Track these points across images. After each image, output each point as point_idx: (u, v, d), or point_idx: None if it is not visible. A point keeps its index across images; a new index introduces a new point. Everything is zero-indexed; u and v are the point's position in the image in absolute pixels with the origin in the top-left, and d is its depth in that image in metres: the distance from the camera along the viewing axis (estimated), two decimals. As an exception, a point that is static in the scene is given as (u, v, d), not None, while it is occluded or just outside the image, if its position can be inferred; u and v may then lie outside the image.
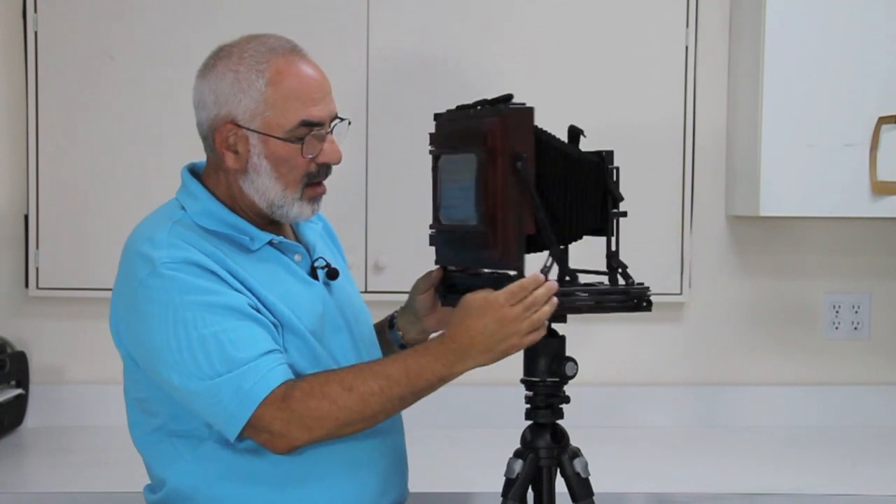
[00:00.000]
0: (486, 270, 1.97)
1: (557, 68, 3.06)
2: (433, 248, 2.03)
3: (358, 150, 3.04)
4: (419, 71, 3.04)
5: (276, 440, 1.85)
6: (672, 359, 3.23)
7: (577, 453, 1.98)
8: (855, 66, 2.90)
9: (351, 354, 2.01)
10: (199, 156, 2.01)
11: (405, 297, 2.15)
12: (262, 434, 1.85)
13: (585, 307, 1.89)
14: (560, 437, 1.97)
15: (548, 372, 1.93)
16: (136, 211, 2.02)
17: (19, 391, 3.03)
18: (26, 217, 3.07)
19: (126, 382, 2.00)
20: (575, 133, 1.94)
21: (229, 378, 1.82)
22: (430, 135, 2.00)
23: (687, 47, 3.09)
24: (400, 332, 2.16)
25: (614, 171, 1.93)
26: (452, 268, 2.05)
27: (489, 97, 1.91)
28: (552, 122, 1.91)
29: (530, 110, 1.85)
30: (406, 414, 1.99)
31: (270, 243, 1.97)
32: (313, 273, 2.02)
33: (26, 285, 3.08)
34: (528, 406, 1.97)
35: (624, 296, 1.91)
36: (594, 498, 1.97)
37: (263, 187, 1.93)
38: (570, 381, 1.95)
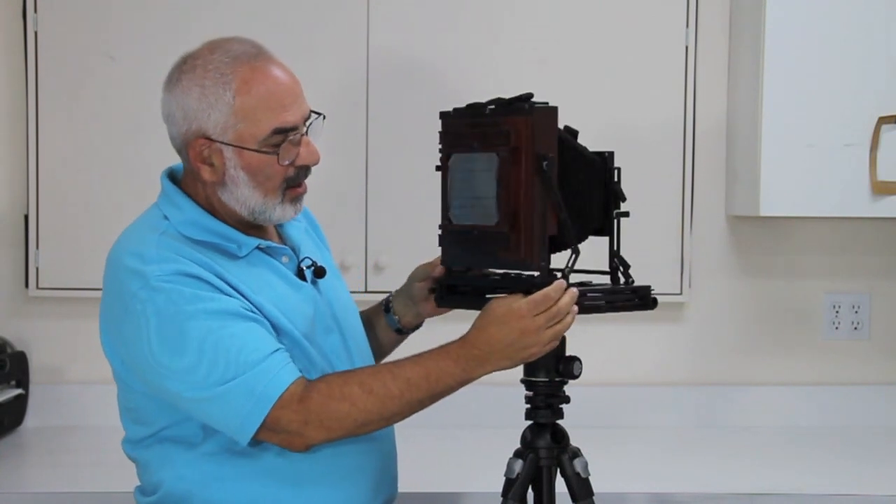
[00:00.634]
0: (495, 272, 1.96)
1: (557, 68, 3.06)
2: (433, 248, 2.03)
3: (358, 150, 3.04)
4: (419, 71, 3.04)
5: (294, 439, 1.84)
6: (672, 359, 3.23)
7: (577, 453, 1.98)
8: (855, 66, 2.90)
9: (342, 354, 2.01)
10: (199, 156, 2.01)
11: (405, 297, 2.15)
12: (279, 434, 1.84)
13: (596, 307, 1.89)
14: (560, 437, 1.97)
15: (555, 371, 1.93)
16: (136, 211, 2.01)
17: (19, 391, 3.03)
18: (26, 217, 3.07)
19: (118, 391, 1.99)
20: (572, 134, 1.94)
21: (240, 382, 1.81)
22: (440, 133, 1.96)
23: (687, 47, 3.09)
24: (396, 316, 2.16)
25: (616, 171, 1.93)
26: (453, 269, 2.04)
27: (491, 97, 1.91)
28: (552, 121, 1.91)
29: (555, 110, 1.85)
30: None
31: (258, 247, 1.95)
32: (301, 274, 2.01)
33: (26, 285, 3.08)
34: (528, 406, 1.97)
35: (632, 294, 1.92)
36: (594, 498, 1.97)
37: (243, 197, 1.90)
38: (571, 381, 1.95)
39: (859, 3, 2.90)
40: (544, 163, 1.82)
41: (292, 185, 1.93)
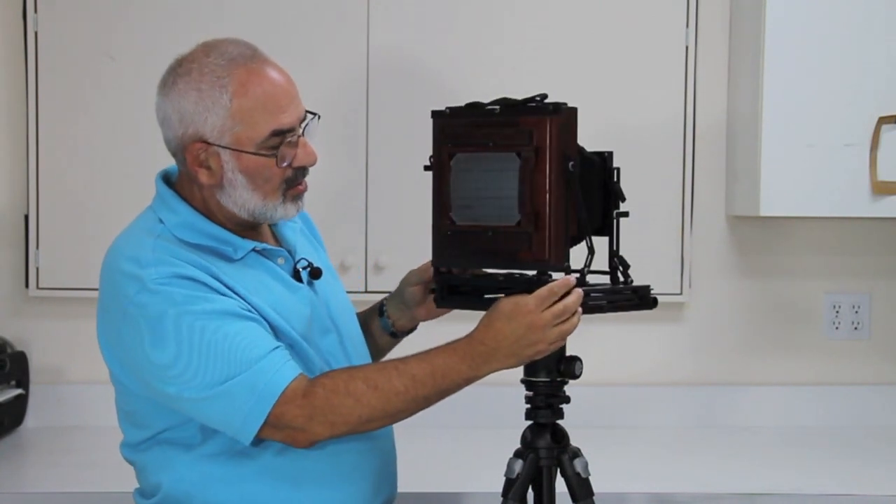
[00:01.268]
0: (499, 272, 1.95)
1: (558, 68, 3.05)
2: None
3: (358, 151, 3.04)
4: (419, 71, 3.04)
5: (298, 435, 1.84)
6: (672, 359, 3.23)
7: (577, 453, 1.98)
8: (855, 66, 2.90)
9: (340, 355, 2.00)
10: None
11: (405, 298, 2.15)
12: (283, 430, 1.84)
13: (598, 307, 1.89)
14: (560, 437, 1.97)
15: (556, 371, 1.93)
16: (135, 211, 2.00)
17: (19, 391, 3.03)
18: (26, 217, 3.07)
19: (116, 395, 1.99)
20: None
21: (241, 380, 1.81)
22: (438, 133, 1.94)
23: (687, 47, 3.09)
24: (390, 320, 2.16)
25: (615, 171, 1.93)
26: (444, 269, 2.02)
27: (490, 97, 1.90)
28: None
29: (575, 111, 1.85)
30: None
31: (253, 250, 1.95)
32: (297, 275, 2.01)
33: (26, 285, 3.08)
34: (529, 406, 1.97)
35: (632, 294, 1.92)
36: (594, 498, 1.97)
37: (242, 200, 1.90)
38: (571, 381, 1.95)
39: (859, 3, 2.90)
40: (570, 163, 1.82)
41: (292, 185, 1.93)
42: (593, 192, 1.92)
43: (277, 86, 1.88)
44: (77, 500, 2.50)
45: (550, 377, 1.93)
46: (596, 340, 3.08)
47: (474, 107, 1.91)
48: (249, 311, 1.87)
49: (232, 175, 1.88)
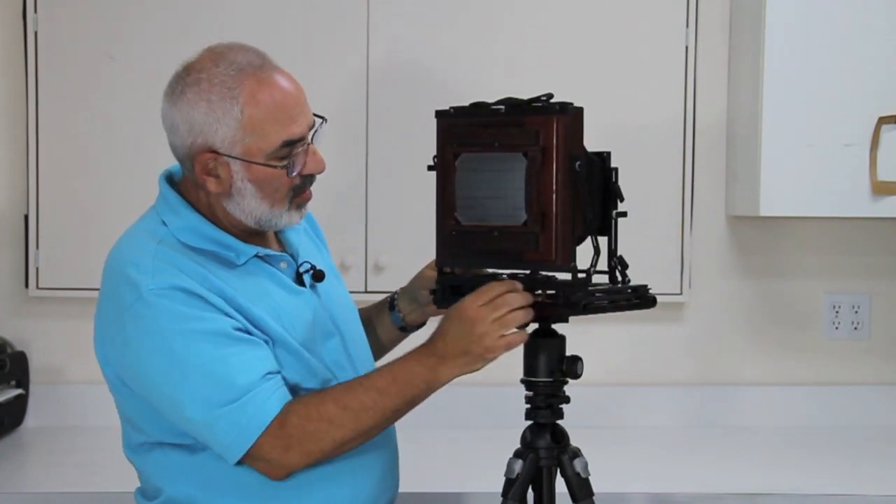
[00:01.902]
0: (501, 273, 1.95)
1: (558, 68, 3.05)
2: (434, 249, 2.02)
3: (358, 151, 3.03)
4: (419, 72, 3.04)
5: (274, 469, 1.85)
6: (672, 359, 3.23)
7: (577, 453, 1.98)
8: (855, 66, 2.90)
9: (343, 358, 2.00)
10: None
11: (406, 298, 2.15)
12: (259, 462, 1.84)
13: (600, 308, 1.89)
14: (560, 437, 1.97)
15: (559, 371, 1.93)
16: (135, 211, 2.01)
17: (19, 391, 3.03)
18: (26, 217, 3.07)
19: (114, 398, 1.98)
20: None
21: (225, 412, 1.80)
22: (442, 132, 1.94)
23: (687, 47, 3.09)
24: (401, 314, 2.16)
25: (614, 171, 1.93)
26: (447, 269, 2.02)
27: (491, 97, 1.90)
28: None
29: (581, 110, 1.85)
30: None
31: (256, 255, 1.94)
32: (299, 279, 2.00)
33: (26, 285, 3.08)
34: (528, 406, 1.97)
35: (631, 294, 1.92)
36: (594, 498, 1.97)
37: (249, 208, 1.89)
38: (571, 381, 1.95)
39: (859, 4, 2.90)
40: (577, 163, 1.82)
41: (299, 192, 1.92)
42: (595, 193, 1.92)
43: (287, 95, 1.87)
44: (77, 500, 2.50)
45: (551, 377, 1.93)
46: (596, 340, 3.08)
47: (479, 106, 1.90)
48: (245, 330, 1.86)
49: (241, 184, 1.87)
